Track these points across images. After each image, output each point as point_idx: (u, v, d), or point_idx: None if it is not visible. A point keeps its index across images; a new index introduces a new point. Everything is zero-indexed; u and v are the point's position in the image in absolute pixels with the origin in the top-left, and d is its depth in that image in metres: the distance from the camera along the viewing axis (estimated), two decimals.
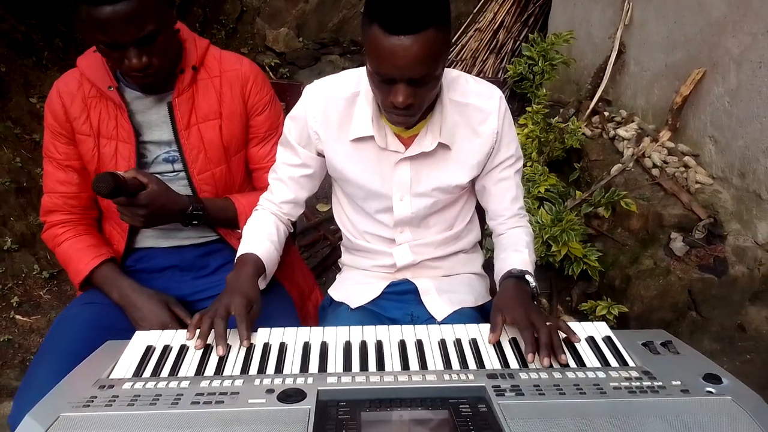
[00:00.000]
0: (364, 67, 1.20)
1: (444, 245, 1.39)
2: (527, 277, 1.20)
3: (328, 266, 2.80)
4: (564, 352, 1.02)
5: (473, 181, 1.34)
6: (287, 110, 1.64)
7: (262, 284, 1.22)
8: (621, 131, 2.87)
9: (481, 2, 4.46)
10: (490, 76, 4.19)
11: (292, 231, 1.39)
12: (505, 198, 1.34)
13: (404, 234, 1.35)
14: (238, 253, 1.23)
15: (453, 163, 1.27)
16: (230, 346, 1.04)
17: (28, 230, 2.69)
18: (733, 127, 2.35)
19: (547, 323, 1.06)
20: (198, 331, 1.05)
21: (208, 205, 1.35)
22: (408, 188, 1.28)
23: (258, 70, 1.42)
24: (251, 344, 1.05)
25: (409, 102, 1.07)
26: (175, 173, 1.36)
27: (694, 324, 2.25)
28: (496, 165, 1.31)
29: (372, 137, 1.22)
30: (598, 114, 3.12)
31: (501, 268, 1.27)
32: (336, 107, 1.23)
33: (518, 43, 4.23)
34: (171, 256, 1.42)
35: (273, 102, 1.44)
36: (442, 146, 1.24)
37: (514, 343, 1.08)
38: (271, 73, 4.81)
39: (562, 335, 1.08)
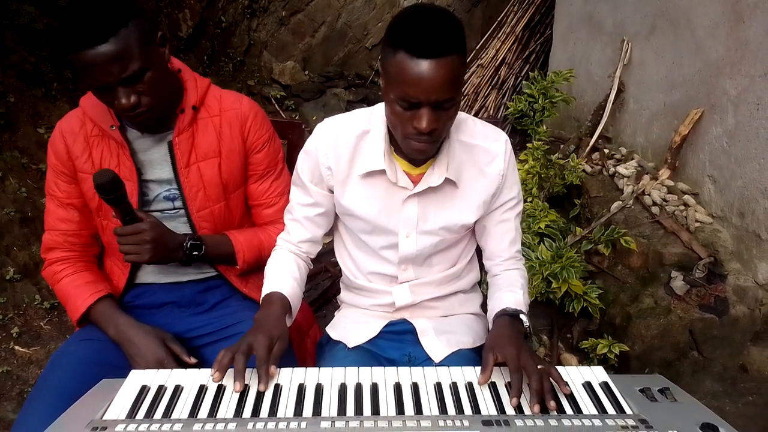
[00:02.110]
0: (374, 106, 1.24)
1: (444, 285, 1.39)
2: (521, 316, 1.20)
3: (328, 299, 2.79)
4: (553, 399, 1.01)
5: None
6: (288, 147, 1.67)
7: (288, 322, 1.22)
8: (621, 168, 2.89)
9: (484, 39, 4.54)
10: (491, 111, 4.24)
11: (311, 267, 1.40)
12: (504, 240, 1.35)
13: (407, 272, 1.36)
14: (263, 293, 1.24)
15: (459, 202, 1.29)
16: (248, 386, 1.04)
17: (31, 260, 2.70)
18: (732, 167, 2.36)
19: (539, 366, 1.06)
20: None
21: (207, 240, 1.37)
22: (414, 225, 1.29)
23: (258, 109, 1.44)
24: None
25: (432, 127, 1.09)
26: (175, 210, 1.38)
27: (696, 364, 2.23)
28: (498, 206, 1.33)
29: (382, 172, 1.24)
30: (598, 151, 3.14)
31: (495, 306, 1.28)
32: (346, 143, 1.26)
33: (519, 79, 4.29)
34: (170, 292, 1.43)
35: (272, 139, 1.46)
36: (449, 183, 1.26)
37: (509, 387, 1.08)
38: (276, 105, 4.89)
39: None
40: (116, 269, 1.42)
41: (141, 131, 1.33)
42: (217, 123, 1.37)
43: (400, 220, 1.29)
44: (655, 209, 2.57)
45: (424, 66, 1.03)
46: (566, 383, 1.06)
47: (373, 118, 1.26)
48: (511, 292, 1.29)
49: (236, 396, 1.02)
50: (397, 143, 1.23)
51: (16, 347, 2.42)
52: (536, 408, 0.99)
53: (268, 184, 1.47)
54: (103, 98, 1.20)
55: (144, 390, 1.04)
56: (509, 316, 1.20)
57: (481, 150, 1.28)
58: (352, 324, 1.39)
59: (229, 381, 1.05)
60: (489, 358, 1.09)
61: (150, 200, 1.36)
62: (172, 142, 1.33)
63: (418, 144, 1.14)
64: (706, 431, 0.93)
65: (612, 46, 3.24)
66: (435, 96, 1.06)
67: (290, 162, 1.60)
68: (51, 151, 1.35)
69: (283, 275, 1.27)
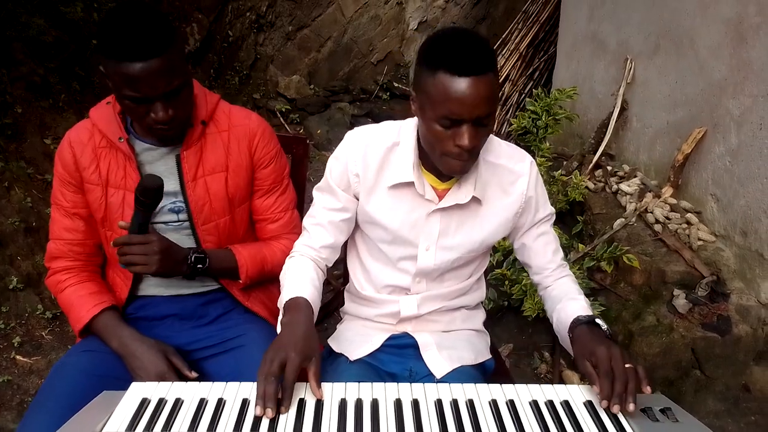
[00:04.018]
0: (403, 121, 1.28)
1: (451, 299, 1.40)
2: (597, 320, 1.22)
3: (330, 312, 2.79)
4: (634, 401, 1.03)
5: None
6: (292, 162, 1.68)
7: None
8: (624, 186, 2.90)
9: None
10: (495, 127, 4.26)
11: (326, 278, 1.39)
12: (548, 251, 1.38)
13: (420, 284, 1.36)
14: (285, 298, 1.21)
15: (482, 220, 1.31)
16: (248, 401, 1.03)
17: (34, 270, 2.70)
18: (735, 186, 2.37)
19: (627, 366, 1.07)
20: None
21: (211, 254, 1.37)
22: (435, 240, 1.30)
23: (266, 125, 1.46)
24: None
25: (474, 144, 1.12)
26: (179, 223, 1.38)
27: (698, 383, 2.21)
28: (535, 223, 1.36)
29: (410, 184, 1.26)
30: (601, 168, 3.15)
31: (563, 319, 1.28)
32: (375, 153, 1.28)
33: (523, 96, 4.32)
34: (172, 304, 1.43)
35: (279, 155, 1.48)
36: (474, 201, 1.28)
37: (510, 405, 1.07)
38: (281, 118, 4.92)
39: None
40: (119, 280, 1.42)
41: (164, 143, 1.34)
42: (225, 138, 1.39)
43: (422, 233, 1.30)
44: (657, 227, 2.57)
45: (466, 84, 1.06)
46: (648, 384, 1.08)
47: (403, 131, 1.28)
48: (573, 300, 1.30)
49: (236, 410, 1.02)
50: (425, 157, 1.25)
51: (18, 357, 2.42)
52: (615, 408, 1.03)
53: (273, 199, 1.48)
54: (137, 110, 1.21)
55: (144, 402, 1.04)
56: (585, 324, 1.21)
57: (506, 170, 1.30)
58: (354, 336, 1.39)
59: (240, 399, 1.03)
60: (586, 366, 1.11)
61: (155, 212, 1.37)
62: (180, 155, 1.34)
63: (458, 162, 1.16)
64: None
65: (615, 64, 3.26)
66: (477, 112, 1.09)
67: (295, 176, 1.61)
68: (58, 161, 1.36)
69: (304, 281, 1.25)
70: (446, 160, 1.16)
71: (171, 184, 1.36)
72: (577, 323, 1.22)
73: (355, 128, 1.32)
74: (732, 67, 2.40)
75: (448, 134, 1.12)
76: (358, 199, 1.32)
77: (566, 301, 1.30)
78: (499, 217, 1.32)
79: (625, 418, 1.04)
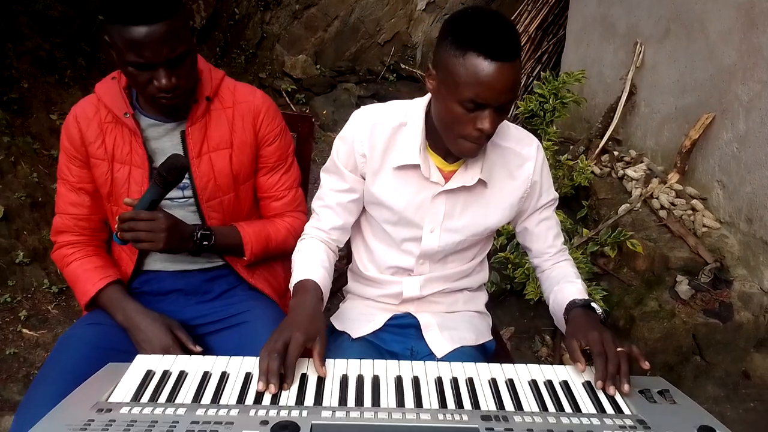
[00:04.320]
0: (411, 100, 1.26)
1: (454, 281, 1.40)
2: (593, 304, 1.23)
3: (333, 293, 2.80)
4: (628, 382, 1.05)
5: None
6: (297, 140, 1.68)
7: None
8: (630, 171, 2.89)
9: None
10: None
11: (337, 259, 1.39)
12: (549, 236, 1.39)
13: (424, 266, 1.37)
14: (294, 280, 1.23)
15: (487, 203, 1.31)
16: (251, 374, 1.05)
17: (41, 245, 2.73)
18: (741, 172, 2.35)
19: (619, 349, 1.09)
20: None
21: (216, 231, 1.38)
22: (440, 222, 1.30)
23: (270, 102, 1.45)
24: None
25: (495, 128, 1.12)
26: (184, 199, 1.39)
27: (698, 369, 2.23)
28: (538, 208, 1.36)
29: (416, 166, 1.25)
30: (607, 153, 3.14)
31: (559, 300, 1.30)
32: (382, 133, 1.27)
33: (531, 79, 4.29)
34: (177, 279, 1.44)
35: (283, 133, 1.47)
36: (480, 184, 1.28)
37: (509, 384, 1.09)
38: (287, 98, 4.90)
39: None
40: (124, 255, 1.43)
41: (166, 115, 1.34)
42: (230, 115, 1.39)
43: (427, 215, 1.30)
44: (662, 213, 2.57)
45: (497, 68, 1.04)
46: (646, 360, 1.09)
47: (411, 111, 1.26)
48: (570, 283, 1.31)
49: (239, 383, 1.03)
50: (432, 138, 1.24)
51: (24, 330, 2.45)
52: (611, 389, 1.04)
53: (278, 177, 1.48)
54: (139, 77, 1.21)
55: (149, 374, 1.05)
56: (580, 307, 1.23)
57: (513, 153, 1.30)
58: (357, 316, 1.41)
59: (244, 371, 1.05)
60: (573, 344, 1.13)
61: None
62: (185, 131, 1.34)
63: (473, 145, 1.15)
64: None
65: (625, 48, 3.23)
66: (504, 98, 1.08)
67: (299, 155, 1.61)
68: (64, 136, 1.36)
69: (314, 263, 1.26)
70: (462, 143, 1.15)
71: None
72: (573, 306, 1.23)
73: (362, 107, 1.31)
74: (742, 52, 2.37)
75: (469, 117, 1.10)
76: (364, 179, 1.31)
77: (564, 283, 1.31)
78: (505, 201, 1.32)
79: (623, 399, 1.05)
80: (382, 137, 1.27)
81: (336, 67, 5.35)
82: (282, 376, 1.02)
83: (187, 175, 1.36)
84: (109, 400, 0.97)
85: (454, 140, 1.16)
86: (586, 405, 1.03)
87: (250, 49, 5.11)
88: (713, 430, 0.94)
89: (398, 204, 1.29)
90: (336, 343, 1.36)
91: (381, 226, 1.35)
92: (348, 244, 1.50)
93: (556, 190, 1.40)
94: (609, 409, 1.02)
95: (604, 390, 1.06)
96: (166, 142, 1.36)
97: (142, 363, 1.08)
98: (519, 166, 1.30)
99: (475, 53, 1.05)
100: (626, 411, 1.01)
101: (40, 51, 3.45)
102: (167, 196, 1.36)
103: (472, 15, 1.09)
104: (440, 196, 1.28)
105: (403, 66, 5.52)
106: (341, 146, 1.30)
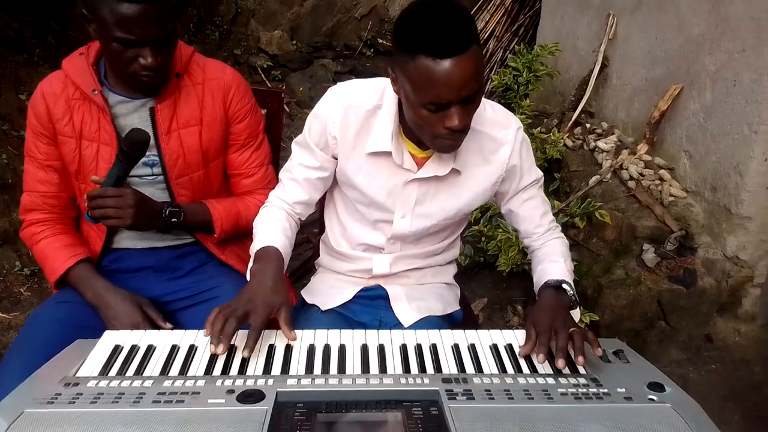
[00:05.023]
0: (389, 80, 1.19)
1: (424, 258, 1.42)
2: (564, 285, 1.22)
3: (309, 269, 2.82)
4: (582, 355, 1.03)
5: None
6: (267, 116, 1.68)
7: None
8: (601, 143, 2.92)
9: (473, 11, 4.51)
10: None
11: (298, 229, 1.39)
12: (535, 216, 1.37)
13: (395, 246, 1.38)
14: (256, 247, 1.23)
15: (460, 189, 1.30)
16: (235, 347, 1.06)
17: (11, 227, 2.70)
18: (707, 142, 2.40)
19: (571, 330, 1.08)
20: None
21: (185, 208, 1.39)
22: (411, 208, 1.30)
23: (240, 79, 1.45)
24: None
25: (464, 123, 1.09)
26: (153, 177, 1.39)
27: (663, 333, 2.30)
28: (520, 189, 1.34)
29: (388, 153, 1.24)
30: (580, 125, 3.17)
31: (538, 280, 1.30)
32: (356, 116, 1.25)
33: (507, 52, 4.29)
34: (146, 257, 1.45)
35: (254, 110, 1.47)
36: (453, 171, 1.27)
37: (471, 349, 1.12)
38: (263, 75, 4.85)
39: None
40: (93, 233, 1.43)
41: (144, 94, 1.33)
42: (199, 91, 1.38)
43: (398, 201, 1.30)
44: (631, 183, 2.61)
45: (449, 65, 1.01)
46: (599, 346, 1.06)
47: (386, 93, 1.24)
48: (552, 262, 1.30)
49: (207, 356, 1.05)
50: (406, 124, 1.22)
51: None
52: (560, 363, 1.04)
53: (248, 154, 1.48)
54: (124, 54, 1.21)
55: (117, 349, 1.07)
56: (553, 288, 1.22)
57: (488, 137, 1.27)
58: (328, 289, 1.43)
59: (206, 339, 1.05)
60: (530, 330, 1.11)
61: None
62: (154, 108, 1.34)
63: (450, 142, 1.14)
64: (652, 389, 0.98)
65: (598, 20, 3.24)
66: (465, 92, 1.05)
67: (270, 131, 1.61)
68: (31, 113, 1.35)
69: (276, 231, 1.26)
70: (438, 142, 1.14)
71: None
72: (546, 286, 1.24)
73: (338, 84, 1.29)
74: (710, 23, 2.40)
75: (436, 117, 1.08)
76: (336, 159, 1.31)
77: (546, 263, 1.31)
78: (478, 187, 1.31)
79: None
80: (355, 120, 1.25)
81: (312, 43, 5.29)
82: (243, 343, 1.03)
83: (155, 152, 1.36)
84: (77, 375, 0.99)
85: (430, 141, 1.16)
86: (545, 366, 1.07)
87: (224, 24, 5.03)
88: (661, 385, 0.99)
89: (369, 189, 1.29)
90: (305, 316, 1.39)
91: (354, 205, 1.36)
92: (321, 217, 1.52)
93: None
94: (565, 369, 1.06)
95: (552, 364, 1.06)
96: (134, 118, 1.35)
97: (110, 338, 1.10)
98: (494, 151, 1.28)
99: (423, 55, 1.02)
100: (581, 370, 1.06)
101: (8, 30, 3.37)
102: (136, 173, 1.36)
103: (416, 14, 1.05)
104: (412, 183, 1.27)
105: (380, 41, 5.47)
106: (314, 123, 1.29)
